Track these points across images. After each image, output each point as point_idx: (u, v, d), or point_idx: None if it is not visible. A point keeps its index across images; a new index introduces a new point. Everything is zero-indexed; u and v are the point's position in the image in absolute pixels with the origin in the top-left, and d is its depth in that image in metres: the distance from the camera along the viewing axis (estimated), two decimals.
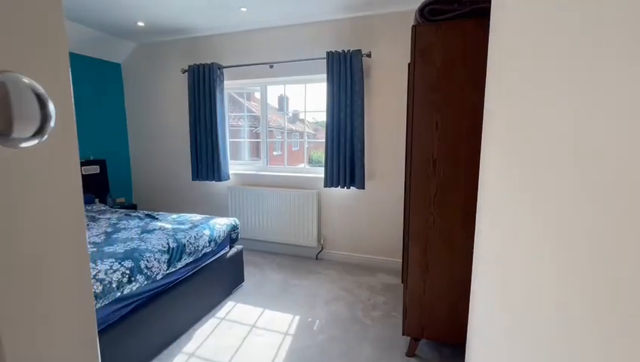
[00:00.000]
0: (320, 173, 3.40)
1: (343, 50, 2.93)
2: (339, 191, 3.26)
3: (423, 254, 1.81)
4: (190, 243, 2.16)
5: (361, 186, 3.04)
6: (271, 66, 3.31)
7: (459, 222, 1.68)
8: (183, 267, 2.13)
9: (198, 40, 3.63)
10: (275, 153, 4.76)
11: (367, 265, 3.26)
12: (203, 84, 3.44)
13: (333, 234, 3.38)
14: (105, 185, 3.76)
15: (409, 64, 1.78)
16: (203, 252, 2.28)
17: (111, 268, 1.66)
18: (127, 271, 1.70)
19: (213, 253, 2.45)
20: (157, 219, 2.63)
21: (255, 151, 4.17)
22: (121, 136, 4.13)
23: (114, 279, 1.61)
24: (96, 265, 1.66)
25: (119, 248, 1.92)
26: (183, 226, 2.39)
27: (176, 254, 2.03)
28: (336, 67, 2.95)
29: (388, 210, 3.13)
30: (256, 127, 4.10)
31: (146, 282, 1.80)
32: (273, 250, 3.61)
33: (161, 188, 4.12)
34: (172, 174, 4.01)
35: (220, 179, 3.53)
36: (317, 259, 3.43)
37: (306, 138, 3.57)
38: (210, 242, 2.34)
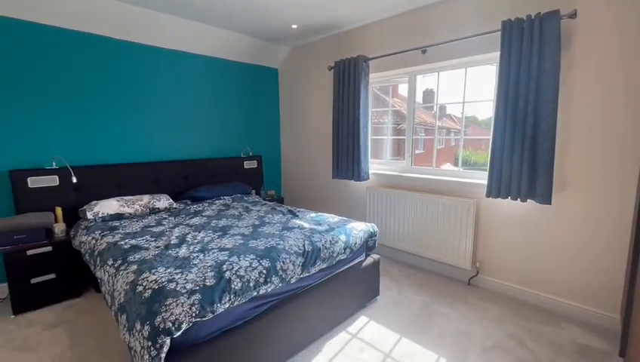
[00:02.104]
0: (479, 178, 2.71)
1: (529, 16, 2.16)
2: (508, 204, 2.49)
3: None
4: (325, 248, 2.00)
5: (546, 200, 2.20)
6: (423, 51, 2.84)
7: None
8: (317, 272, 1.99)
9: (345, 35, 3.53)
10: (417, 151, 4.23)
11: (548, 308, 2.37)
12: (347, 79, 3.30)
13: (495, 258, 2.63)
14: (260, 179, 4.19)
15: None
16: (338, 258, 2.09)
17: (250, 266, 1.64)
18: (265, 271, 1.65)
19: (347, 260, 2.23)
20: (297, 216, 2.63)
21: (397, 150, 3.77)
22: (275, 134, 4.53)
23: (252, 278, 1.58)
24: (239, 260, 1.67)
25: (261, 244, 1.93)
26: (319, 227, 2.27)
27: (310, 258, 1.90)
28: (517, 40, 2.21)
29: (592, 237, 2.17)
30: (399, 124, 3.70)
31: (280, 284, 1.72)
32: (414, 263, 3.15)
33: (305, 184, 4.29)
34: (315, 171, 4.10)
35: (359, 179, 3.33)
36: (469, 284, 2.76)
37: (462, 134, 2.92)
38: (345, 249, 2.13)
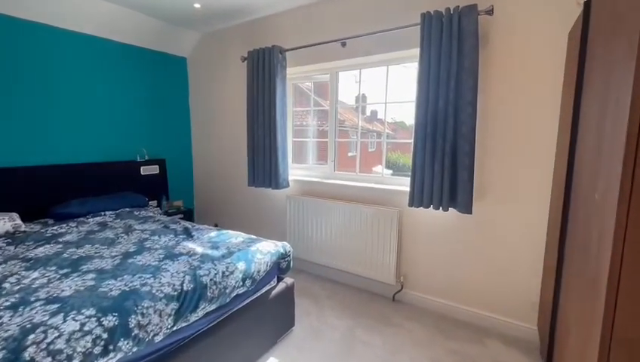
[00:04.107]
0: (404, 184, 2.51)
1: (448, 9, 1.99)
2: (431, 214, 2.32)
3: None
4: (215, 284, 1.54)
5: (467, 209, 2.05)
6: (343, 44, 2.55)
7: None
8: (202, 318, 1.51)
9: (259, 22, 3.09)
10: (349, 154, 4.00)
11: (471, 322, 2.24)
12: (262, 72, 2.86)
13: (419, 271, 2.44)
14: (163, 187, 3.51)
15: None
16: (234, 294, 1.64)
17: (80, 330, 1.10)
18: (105, 336, 1.12)
19: (250, 292, 1.79)
20: (192, 236, 2.10)
21: (324, 154, 3.46)
22: (185, 134, 3.88)
23: (78, 351, 1.05)
24: (64, 322, 1.12)
25: (118, 286, 1.39)
26: (215, 253, 1.79)
27: (190, 301, 1.42)
28: (436, 34, 2.02)
29: (511, 247, 2.07)
30: (324, 125, 3.40)
31: (135, 348, 1.20)
32: (337, 278, 2.84)
33: (221, 193, 3.73)
34: (232, 178, 3.57)
35: (277, 186, 2.91)
36: (394, 300, 2.54)
37: (384, 138, 2.71)
38: (245, 280, 1.69)
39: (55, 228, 2.26)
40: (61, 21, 2.68)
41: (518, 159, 2.00)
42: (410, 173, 2.28)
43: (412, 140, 2.24)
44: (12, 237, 2.10)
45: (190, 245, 1.93)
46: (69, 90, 2.81)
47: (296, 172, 3.20)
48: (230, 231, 2.21)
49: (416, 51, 2.24)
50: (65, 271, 1.57)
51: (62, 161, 2.79)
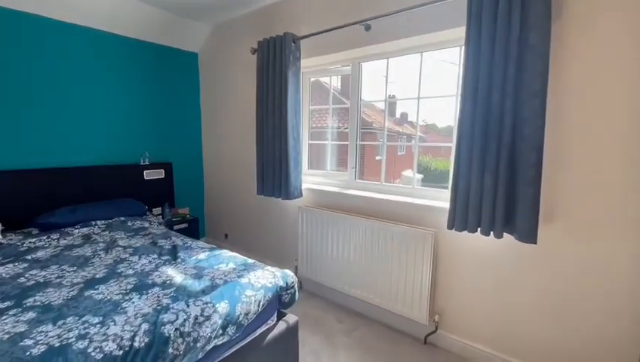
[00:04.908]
0: (440, 198, 2.01)
1: None
2: (478, 240, 1.79)
3: None
4: (181, 336, 1.14)
5: (529, 236, 1.51)
6: (367, 27, 2.10)
7: None
8: None
9: (271, 9, 2.72)
10: (377, 158, 3.52)
11: None
12: (273, 65, 2.48)
13: (459, 310, 1.92)
14: (169, 193, 3.23)
15: None
16: (209, 347, 1.23)
17: None
18: None
19: (234, 342, 1.39)
20: (177, 258, 1.74)
21: (345, 159, 3.02)
22: (195, 136, 3.59)
23: None
24: None
25: (52, 335, 1.04)
26: (195, 285, 1.41)
27: None
28: (489, 5, 1.52)
29: (594, 290, 1.51)
30: (346, 126, 2.97)
31: None
32: (356, 308, 2.38)
33: (231, 201, 3.39)
34: (242, 185, 3.22)
35: (287, 196, 2.51)
36: (426, 343, 2.03)
37: (416, 140, 2.21)
38: (225, 327, 1.28)
39: (34, 240, 2.00)
40: (64, 13, 2.46)
41: (604, 173, 1.44)
42: (449, 186, 1.78)
43: (453, 144, 1.74)
44: None
45: (170, 271, 1.56)
46: (68, 88, 2.58)
47: (311, 179, 2.78)
48: (224, 253, 1.83)
49: (459, 32, 1.75)
50: (5, 304, 1.25)
51: (59, 164, 2.56)
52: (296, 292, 1.67)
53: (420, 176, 2.54)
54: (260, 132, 2.66)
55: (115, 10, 2.65)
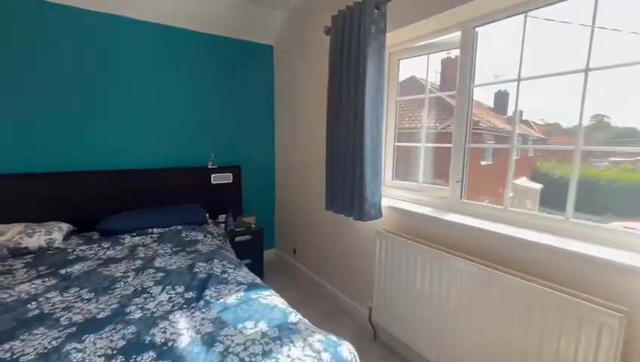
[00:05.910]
0: (629, 247, 1.09)
1: None
2: None
3: None
4: None
5: None
6: None
7: None
8: None
9: None
10: (482, 163, 2.59)
11: None
12: (349, 42, 1.89)
13: None
14: (236, 199, 2.96)
15: None
16: None
17: None
18: None
19: None
20: (199, 300, 1.30)
21: (444, 170, 2.21)
22: (267, 137, 3.27)
23: None
24: None
25: None
26: (200, 356, 0.92)
27: None
28: None
29: None
30: (443, 126, 2.18)
31: None
32: None
33: (302, 210, 2.93)
34: (314, 194, 2.73)
35: (361, 216, 1.87)
36: None
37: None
38: None
39: (85, 248, 1.87)
40: (124, 7, 2.37)
41: None
42: None
43: None
44: (39, 255, 1.77)
45: (181, 323, 1.12)
46: (132, 87, 2.49)
47: (395, 193, 2.09)
48: (262, 299, 1.32)
49: None
50: None
51: (131, 166, 2.51)
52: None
53: (538, 187, 1.96)
54: (330, 131, 2.10)
55: (183, 4, 2.46)
